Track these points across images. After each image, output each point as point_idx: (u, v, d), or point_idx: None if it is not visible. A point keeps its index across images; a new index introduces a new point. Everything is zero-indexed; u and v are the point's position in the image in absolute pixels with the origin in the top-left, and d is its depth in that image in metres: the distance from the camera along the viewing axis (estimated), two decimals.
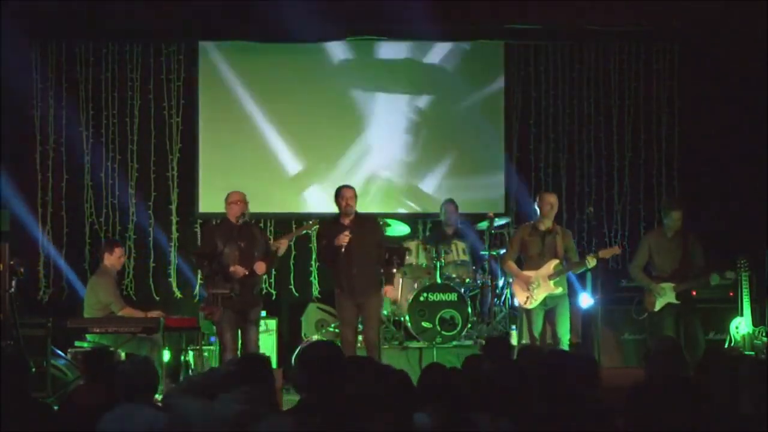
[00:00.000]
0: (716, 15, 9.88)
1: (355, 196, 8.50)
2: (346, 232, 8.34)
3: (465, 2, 9.98)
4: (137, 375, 4.59)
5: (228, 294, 8.10)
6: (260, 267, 8.22)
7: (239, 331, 8.28)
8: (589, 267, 8.62)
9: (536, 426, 4.19)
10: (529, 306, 8.58)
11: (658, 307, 8.82)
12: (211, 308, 8.14)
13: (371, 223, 8.75)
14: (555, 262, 8.56)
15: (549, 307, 8.59)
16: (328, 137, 10.92)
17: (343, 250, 8.27)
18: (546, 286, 8.54)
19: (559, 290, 8.54)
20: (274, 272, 10.21)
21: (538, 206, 8.73)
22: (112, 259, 9.14)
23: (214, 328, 8.45)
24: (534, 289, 8.53)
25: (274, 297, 10.59)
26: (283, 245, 8.87)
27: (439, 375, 4.54)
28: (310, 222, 9.35)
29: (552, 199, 8.75)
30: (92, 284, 9.05)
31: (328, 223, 8.66)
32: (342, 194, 8.45)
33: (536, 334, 8.58)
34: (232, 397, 4.37)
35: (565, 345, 8.44)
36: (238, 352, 8.24)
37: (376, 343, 8.43)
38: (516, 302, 8.87)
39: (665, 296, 8.82)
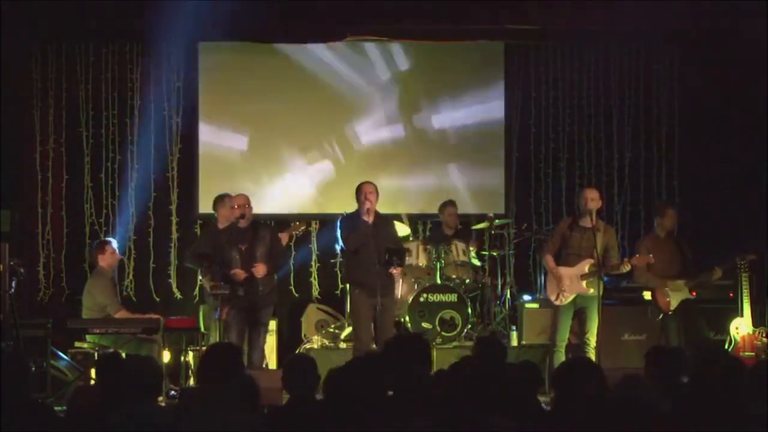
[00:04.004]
0: (716, 15, 9.88)
1: (376, 192, 8.39)
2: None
3: (465, 2, 9.98)
4: (142, 374, 4.59)
5: (228, 294, 8.11)
6: (259, 270, 8.21)
7: (247, 331, 8.28)
8: (623, 272, 8.57)
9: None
10: (558, 303, 8.46)
11: (674, 305, 8.80)
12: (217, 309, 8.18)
13: (391, 224, 8.71)
14: (590, 262, 8.35)
15: (579, 307, 8.44)
16: (328, 137, 10.92)
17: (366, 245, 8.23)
18: (578, 285, 8.37)
19: (591, 291, 8.35)
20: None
21: (579, 202, 8.53)
22: (106, 259, 9.08)
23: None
24: (565, 287, 8.41)
25: None
26: (282, 240, 9.01)
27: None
28: (297, 223, 9.73)
29: (591, 194, 8.44)
30: (89, 286, 9.01)
31: (350, 217, 8.50)
32: (362, 190, 8.37)
33: (560, 333, 8.44)
34: (205, 392, 4.35)
35: (591, 348, 8.30)
36: (244, 352, 8.26)
37: None
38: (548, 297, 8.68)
39: (679, 293, 8.82)
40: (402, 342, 5.12)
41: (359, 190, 8.39)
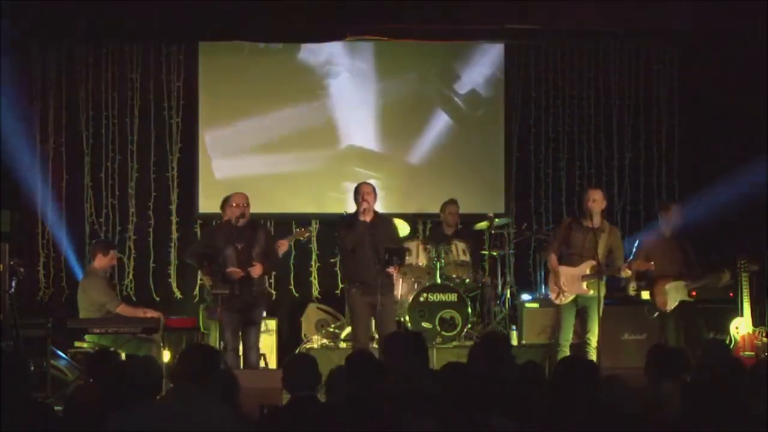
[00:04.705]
0: (716, 15, 9.87)
1: (374, 192, 8.40)
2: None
3: (465, 2, 9.98)
4: (142, 374, 4.59)
5: (227, 294, 8.10)
6: (256, 270, 8.20)
7: (241, 331, 8.28)
8: (624, 277, 8.56)
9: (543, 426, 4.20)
10: (559, 303, 8.44)
11: (671, 305, 8.80)
12: (214, 308, 8.18)
13: (389, 224, 8.71)
14: (592, 263, 8.33)
15: (580, 306, 8.43)
16: (328, 137, 10.92)
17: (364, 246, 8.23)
18: (578, 286, 8.36)
19: (591, 292, 8.32)
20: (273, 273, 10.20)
21: (582, 202, 8.55)
22: (104, 261, 9.03)
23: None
24: (565, 287, 8.38)
25: (273, 297, 10.58)
26: (282, 246, 9.01)
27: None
28: (302, 229, 9.88)
29: (594, 194, 8.43)
30: (82, 287, 8.98)
31: (348, 217, 8.51)
32: (359, 190, 8.38)
33: (564, 332, 8.42)
34: (177, 393, 4.35)
35: (592, 347, 8.29)
36: (240, 352, 8.26)
37: None
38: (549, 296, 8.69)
39: (677, 294, 8.81)
40: (399, 340, 5.12)
41: (357, 191, 8.42)
